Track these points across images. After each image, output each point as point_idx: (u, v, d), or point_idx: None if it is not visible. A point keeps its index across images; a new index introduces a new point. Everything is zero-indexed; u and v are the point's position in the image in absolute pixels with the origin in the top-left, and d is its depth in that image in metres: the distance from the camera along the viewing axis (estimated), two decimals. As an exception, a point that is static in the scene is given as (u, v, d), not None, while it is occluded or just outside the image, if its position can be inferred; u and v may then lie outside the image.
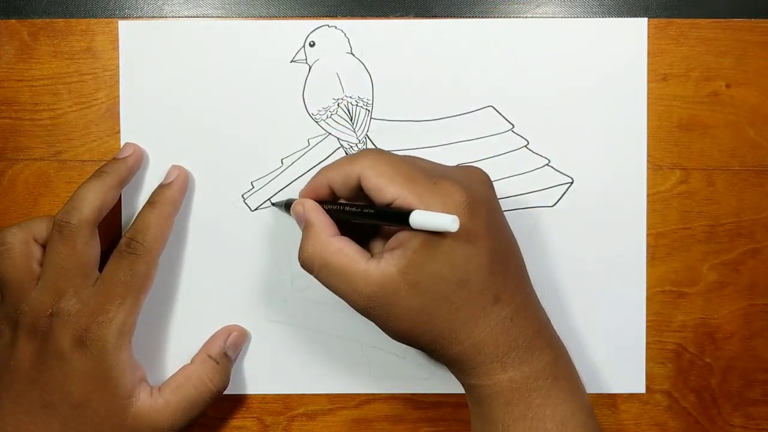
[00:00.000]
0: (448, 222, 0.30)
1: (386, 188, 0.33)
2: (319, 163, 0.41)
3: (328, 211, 0.36)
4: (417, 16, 0.41)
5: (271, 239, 0.41)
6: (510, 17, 0.41)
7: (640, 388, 0.41)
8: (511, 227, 0.39)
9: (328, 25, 0.41)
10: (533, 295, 0.36)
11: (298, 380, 0.41)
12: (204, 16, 0.41)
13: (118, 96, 0.41)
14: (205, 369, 0.39)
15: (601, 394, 0.41)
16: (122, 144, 0.41)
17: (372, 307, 0.33)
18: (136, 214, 0.39)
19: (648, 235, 0.41)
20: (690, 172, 0.41)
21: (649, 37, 0.41)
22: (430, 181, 0.33)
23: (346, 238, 0.35)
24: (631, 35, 0.41)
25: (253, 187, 0.41)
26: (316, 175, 0.37)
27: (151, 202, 0.39)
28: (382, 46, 0.41)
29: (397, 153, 0.41)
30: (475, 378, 0.34)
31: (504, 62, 0.41)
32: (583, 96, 0.41)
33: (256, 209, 0.41)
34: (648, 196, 0.41)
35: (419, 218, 0.31)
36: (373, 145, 0.41)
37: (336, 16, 0.41)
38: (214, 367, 0.39)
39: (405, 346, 0.41)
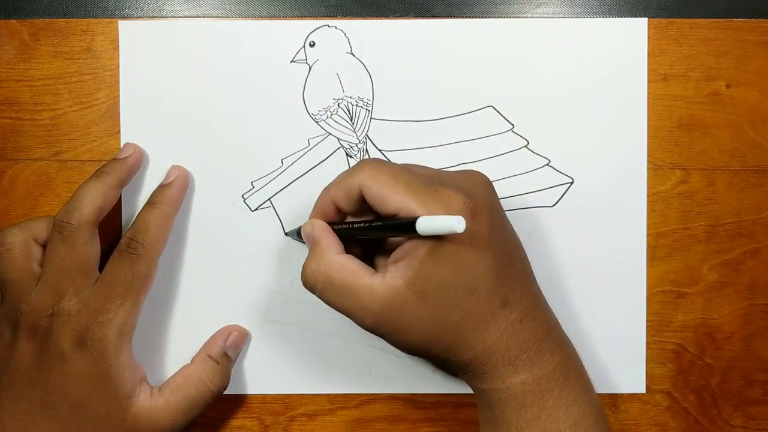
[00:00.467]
0: (454, 223, 0.30)
1: (389, 198, 0.33)
2: (319, 163, 0.41)
3: (338, 231, 0.35)
4: (417, 16, 0.41)
5: (271, 239, 0.41)
6: (510, 17, 0.41)
7: (640, 388, 0.41)
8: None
9: (328, 25, 0.41)
10: (541, 296, 0.36)
11: (298, 380, 0.41)
12: (204, 16, 0.41)
13: (118, 96, 0.41)
14: (206, 369, 0.39)
15: (601, 394, 0.41)
16: (122, 144, 0.41)
17: (380, 323, 0.33)
18: (136, 214, 0.39)
19: (648, 235, 0.41)
20: (690, 172, 0.41)
21: (649, 37, 0.41)
22: (432, 189, 0.33)
23: (350, 255, 0.34)
24: (631, 35, 0.41)
25: (253, 187, 0.41)
26: (320, 195, 0.36)
27: (151, 202, 0.39)
28: (382, 46, 0.41)
29: (393, 161, 0.41)
30: (487, 382, 0.34)
31: (504, 62, 0.41)
32: (583, 96, 0.41)
33: (256, 209, 0.41)
34: (648, 196, 0.41)
35: (425, 224, 0.31)
36: (373, 145, 0.41)
37: (336, 16, 0.41)
38: (215, 367, 0.39)
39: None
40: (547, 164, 0.41)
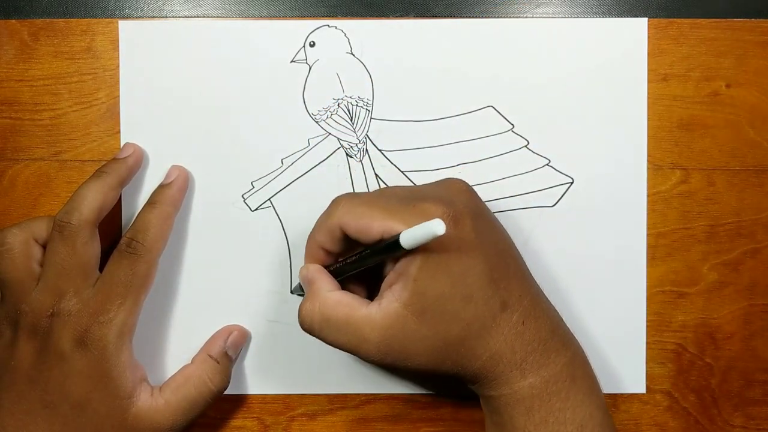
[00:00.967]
0: (434, 226, 0.30)
1: (369, 226, 0.33)
2: (319, 163, 0.41)
3: (333, 271, 0.36)
4: (417, 16, 0.41)
5: (271, 239, 0.41)
6: (510, 17, 0.41)
7: (640, 388, 0.41)
8: (512, 227, 0.39)
9: (328, 25, 0.41)
10: (541, 295, 0.36)
11: (298, 380, 0.41)
12: (204, 16, 0.41)
13: (118, 96, 0.41)
14: (206, 369, 0.39)
15: (601, 394, 0.41)
16: (122, 144, 0.41)
17: (386, 353, 0.33)
18: (136, 214, 0.39)
19: (648, 235, 0.41)
20: (690, 172, 0.41)
21: (649, 37, 0.41)
22: (410, 206, 0.33)
23: (344, 291, 0.34)
24: (631, 35, 0.41)
25: (253, 187, 0.41)
26: (306, 243, 0.37)
27: (151, 202, 0.39)
28: (382, 46, 0.41)
29: (393, 161, 0.41)
30: (495, 389, 0.34)
31: (504, 62, 0.41)
32: (583, 96, 0.41)
33: (256, 209, 0.41)
34: (648, 196, 0.41)
35: (408, 236, 0.31)
36: (373, 145, 0.41)
37: (336, 16, 0.41)
38: (215, 367, 0.39)
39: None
40: (547, 164, 0.41)
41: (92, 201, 0.37)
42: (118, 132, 0.41)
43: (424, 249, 0.32)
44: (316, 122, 0.41)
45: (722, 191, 0.41)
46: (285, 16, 0.41)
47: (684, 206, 0.41)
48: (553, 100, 0.41)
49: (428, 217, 0.31)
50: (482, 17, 0.41)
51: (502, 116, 0.41)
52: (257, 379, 0.41)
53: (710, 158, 0.41)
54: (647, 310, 0.41)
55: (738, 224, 0.41)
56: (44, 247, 0.37)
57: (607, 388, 0.41)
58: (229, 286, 0.41)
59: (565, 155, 0.41)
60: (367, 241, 0.33)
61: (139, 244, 0.37)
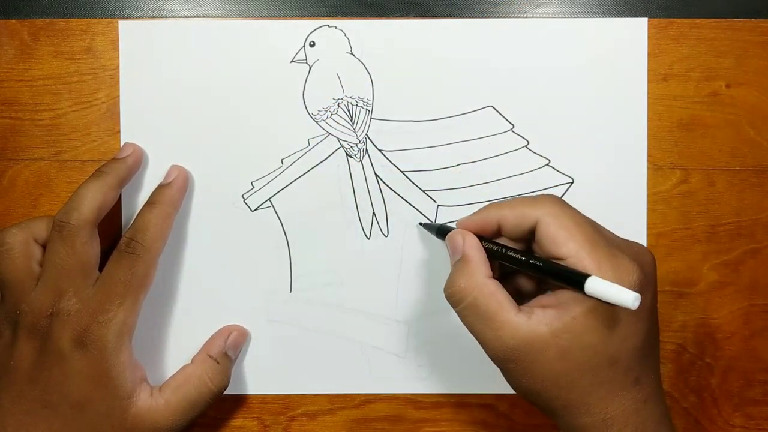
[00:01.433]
0: (630, 299, 0.29)
1: (564, 243, 0.32)
2: (319, 163, 0.41)
3: (486, 249, 0.35)
4: (417, 16, 0.41)
5: (271, 239, 0.41)
6: (510, 17, 0.41)
7: (640, 388, 0.41)
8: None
9: (328, 25, 0.41)
10: (661, 378, 0.35)
11: (298, 380, 0.41)
12: (204, 16, 0.41)
13: (118, 96, 0.41)
14: (206, 369, 0.39)
15: (601, 394, 0.41)
16: (122, 144, 0.41)
17: (511, 360, 0.32)
18: (135, 214, 0.39)
19: (648, 235, 0.41)
20: (690, 172, 0.41)
21: (649, 37, 0.41)
22: (610, 251, 0.32)
23: (497, 282, 0.34)
24: (631, 35, 0.41)
25: (253, 187, 0.41)
26: (485, 208, 0.36)
27: (150, 202, 0.39)
28: (382, 46, 0.41)
29: (393, 161, 0.41)
30: None
31: (504, 62, 0.41)
32: (583, 96, 0.41)
33: (256, 209, 0.41)
34: (648, 196, 0.41)
35: (598, 286, 0.30)
36: (373, 145, 0.41)
37: (336, 16, 0.41)
38: (215, 367, 0.39)
39: (405, 345, 0.41)
40: (547, 164, 0.41)
41: (92, 201, 0.37)
42: (118, 132, 0.41)
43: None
44: (316, 122, 0.41)
45: (722, 191, 0.41)
46: (285, 16, 0.41)
47: (684, 206, 0.41)
48: (553, 100, 0.41)
49: (621, 275, 0.31)
50: (482, 17, 0.41)
51: (502, 116, 0.41)
52: (257, 379, 0.41)
53: (710, 158, 0.41)
54: (647, 310, 0.41)
55: (738, 224, 0.41)
56: (44, 247, 0.37)
57: (607, 388, 0.41)
58: (229, 286, 0.41)
59: (565, 155, 0.41)
60: (548, 250, 0.33)
61: (138, 244, 0.37)
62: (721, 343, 0.42)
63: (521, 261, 0.33)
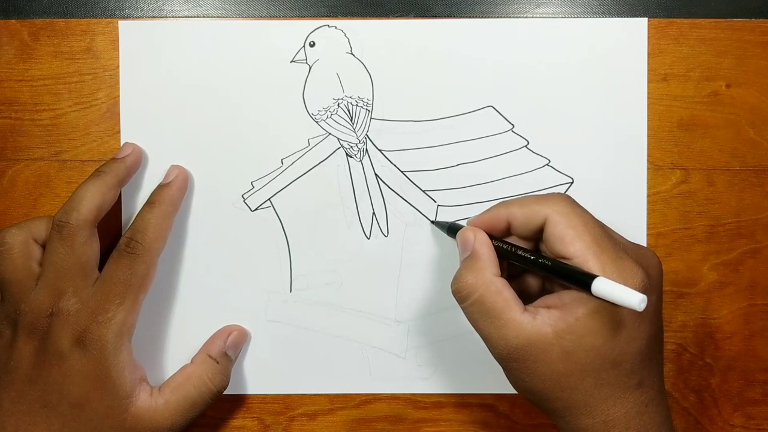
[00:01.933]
0: (636, 300, 0.29)
1: (572, 242, 0.32)
2: (319, 163, 0.41)
3: (496, 248, 0.35)
4: (417, 16, 0.41)
5: (271, 239, 0.41)
6: (510, 17, 0.41)
7: (640, 388, 0.41)
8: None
9: (328, 25, 0.41)
10: (664, 381, 0.35)
11: (298, 380, 0.41)
12: (204, 16, 0.41)
13: (118, 96, 0.41)
14: (206, 369, 0.39)
15: (601, 394, 0.41)
16: (122, 144, 0.41)
17: (514, 359, 0.33)
18: (135, 214, 0.39)
19: (648, 235, 0.41)
20: (690, 172, 0.41)
21: (649, 37, 0.41)
22: (616, 254, 0.32)
23: (505, 280, 0.34)
24: (631, 35, 0.41)
25: (253, 187, 0.41)
26: (495, 207, 0.36)
27: (150, 201, 0.39)
28: (382, 46, 0.41)
29: (393, 161, 0.41)
30: None
31: (504, 62, 0.41)
32: (583, 96, 0.41)
33: (256, 209, 0.41)
34: (648, 196, 0.41)
35: (603, 287, 0.30)
36: (373, 145, 0.41)
37: (336, 16, 0.41)
38: (215, 367, 0.39)
39: (405, 345, 0.41)
40: (547, 164, 0.41)
41: (91, 201, 0.37)
42: (118, 132, 0.41)
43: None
44: (316, 122, 0.41)
45: (722, 191, 0.41)
46: (285, 16, 0.41)
47: (684, 206, 0.41)
48: (553, 100, 0.41)
49: (626, 277, 0.31)
50: (482, 17, 0.41)
51: (502, 116, 0.41)
52: (257, 379, 0.41)
53: (710, 158, 0.41)
54: (647, 310, 0.41)
55: (738, 224, 0.41)
56: (44, 247, 0.37)
57: (607, 388, 0.41)
58: (229, 286, 0.41)
59: (565, 155, 0.41)
60: (554, 248, 0.33)
61: (138, 243, 0.37)
62: (721, 343, 0.41)
63: (530, 260, 0.33)
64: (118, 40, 0.41)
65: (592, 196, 0.41)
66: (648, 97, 0.41)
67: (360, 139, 0.41)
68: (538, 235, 0.34)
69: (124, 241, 0.37)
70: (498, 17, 0.41)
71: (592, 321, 0.32)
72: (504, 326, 0.32)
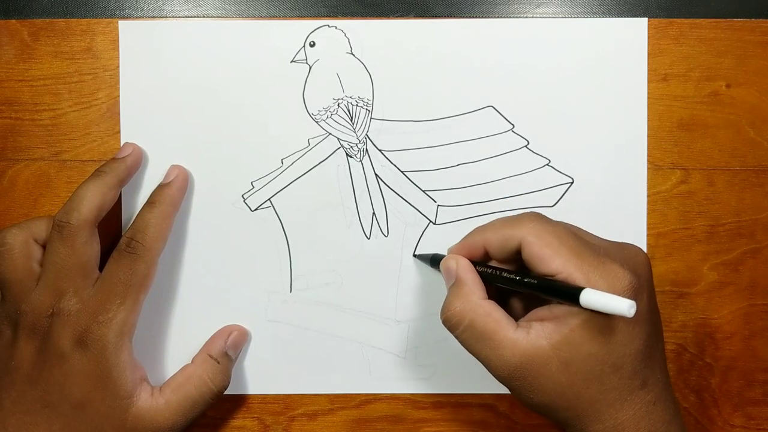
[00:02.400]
0: (625, 307, 0.29)
1: (551, 260, 0.32)
2: (319, 163, 0.41)
3: (480, 273, 0.35)
4: (417, 16, 0.41)
5: (271, 239, 0.41)
6: (510, 17, 0.41)
7: (640, 388, 0.41)
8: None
9: (328, 25, 0.41)
10: (669, 378, 0.35)
11: (298, 380, 0.41)
12: (204, 16, 0.41)
13: (118, 96, 0.41)
14: (206, 369, 0.39)
15: (601, 394, 0.41)
16: (122, 144, 0.41)
17: (516, 378, 0.32)
18: (135, 214, 0.39)
19: (648, 235, 0.41)
20: (690, 172, 0.41)
21: (649, 37, 0.41)
22: (598, 260, 0.32)
23: (493, 302, 0.34)
24: (631, 35, 0.41)
25: (253, 187, 0.41)
26: (470, 234, 0.36)
27: (150, 201, 0.39)
28: (382, 46, 0.41)
29: (393, 161, 0.41)
30: None
31: (504, 62, 0.41)
32: (583, 96, 0.41)
33: (256, 209, 0.41)
34: (648, 196, 0.41)
35: (592, 298, 0.30)
36: (373, 145, 0.41)
37: (336, 16, 0.41)
38: (215, 367, 0.39)
39: (405, 345, 0.41)
40: (547, 164, 0.41)
41: (91, 201, 0.37)
42: (118, 132, 0.41)
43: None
44: (316, 122, 0.41)
45: (722, 191, 0.41)
46: (285, 16, 0.41)
47: (684, 206, 0.41)
48: (553, 100, 0.41)
49: (613, 282, 0.31)
50: (482, 17, 0.41)
51: (502, 116, 0.41)
52: (257, 379, 0.41)
53: (710, 158, 0.41)
54: (647, 310, 0.41)
55: (738, 224, 0.41)
56: (44, 247, 0.37)
57: (607, 388, 0.41)
58: (229, 286, 0.41)
59: (565, 155, 0.41)
60: (536, 268, 0.33)
61: (138, 243, 0.37)
62: (721, 343, 0.42)
63: (516, 281, 0.33)
64: (118, 40, 0.41)
65: (592, 196, 0.41)
66: (648, 97, 0.41)
67: (360, 139, 0.41)
68: (516, 257, 0.34)
69: (124, 241, 0.37)
70: (498, 17, 0.41)
71: (586, 330, 0.31)
72: (499, 346, 0.32)
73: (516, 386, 0.33)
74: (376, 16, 0.41)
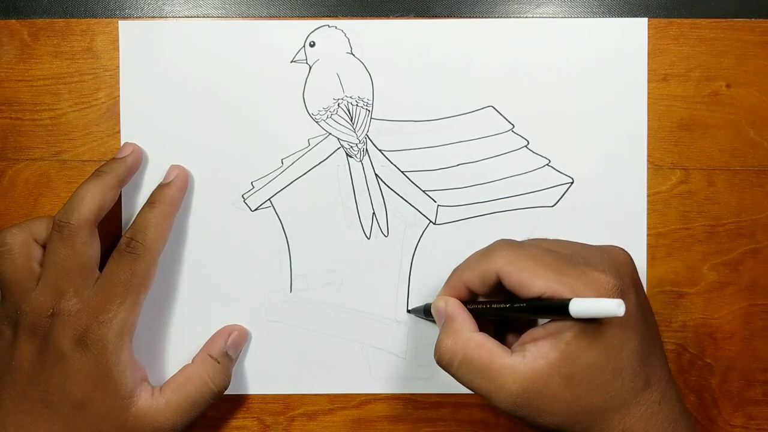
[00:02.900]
0: (614, 307, 0.29)
1: (532, 283, 0.32)
2: (319, 163, 0.41)
3: (473, 311, 0.35)
4: (417, 16, 0.41)
5: (271, 239, 0.41)
6: (510, 17, 0.41)
7: (640, 388, 0.41)
8: (512, 227, 0.39)
9: (328, 25, 0.41)
10: (671, 374, 0.35)
11: (298, 380, 0.41)
12: (204, 16, 0.41)
13: (118, 96, 0.41)
14: (206, 369, 0.39)
15: (601, 394, 0.41)
16: (122, 144, 0.41)
17: (520, 405, 0.32)
18: (136, 214, 0.39)
19: (648, 235, 0.41)
20: (690, 172, 0.41)
21: (649, 37, 0.41)
22: (578, 270, 0.32)
23: (485, 334, 0.34)
24: (631, 35, 0.41)
25: (253, 187, 0.41)
26: (450, 276, 0.36)
27: (150, 201, 0.39)
28: (382, 46, 0.41)
29: (394, 161, 0.41)
30: None
31: (504, 62, 0.41)
32: (583, 96, 0.41)
33: (256, 209, 0.41)
34: (648, 196, 0.41)
35: (581, 307, 0.30)
36: (373, 145, 0.41)
37: (336, 16, 0.41)
38: (215, 367, 0.39)
39: (405, 345, 0.41)
40: (547, 164, 0.41)
41: (91, 201, 0.37)
42: (118, 132, 0.41)
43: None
44: (316, 122, 0.41)
45: (722, 191, 0.41)
46: (285, 16, 0.41)
47: (684, 206, 0.41)
48: (553, 100, 0.41)
49: (598, 288, 0.31)
50: (482, 17, 0.41)
51: (502, 116, 0.41)
52: (257, 379, 0.41)
53: (710, 158, 0.41)
54: (647, 310, 0.41)
55: (738, 224, 0.41)
56: (44, 247, 0.37)
57: (607, 388, 0.41)
58: (229, 286, 0.41)
59: (565, 155, 0.41)
60: (521, 293, 0.33)
61: (138, 243, 0.37)
62: (721, 343, 0.42)
63: (505, 309, 0.33)
64: (118, 40, 0.41)
65: (592, 196, 0.41)
66: (648, 97, 0.41)
67: (360, 139, 0.41)
68: (501, 287, 0.34)
69: (124, 241, 0.37)
70: (498, 17, 0.41)
71: (581, 340, 0.31)
72: (498, 377, 0.32)
73: (523, 414, 0.32)
74: (376, 16, 0.41)
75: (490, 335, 0.34)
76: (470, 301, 0.36)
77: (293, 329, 0.41)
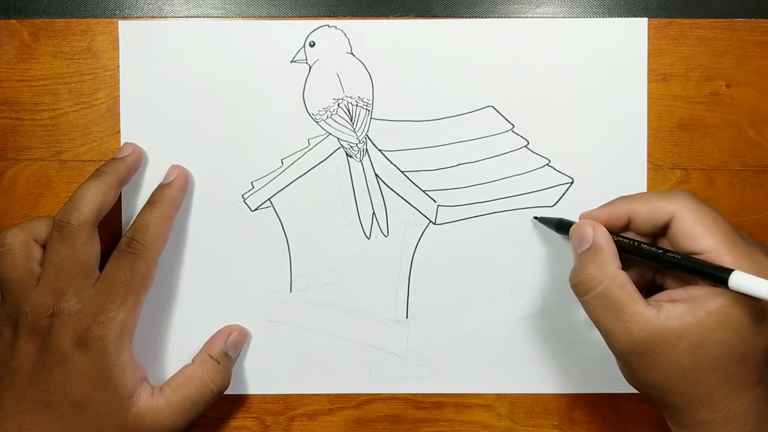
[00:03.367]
0: None
1: (703, 238, 0.32)
2: (319, 163, 0.41)
3: (617, 243, 0.34)
4: (417, 16, 0.41)
5: (271, 239, 0.41)
6: (510, 17, 0.41)
7: (640, 388, 0.41)
8: (512, 227, 0.39)
9: (328, 25, 0.41)
10: None
11: (298, 380, 0.41)
12: (204, 16, 0.41)
13: (118, 96, 0.41)
14: (206, 369, 0.39)
15: (601, 394, 0.41)
16: (122, 144, 0.41)
17: (638, 353, 0.32)
18: (136, 214, 0.39)
19: (648, 235, 0.41)
20: (690, 172, 0.41)
21: (649, 37, 0.41)
22: (750, 249, 0.32)
23: (628, 275, 0.33)
24: (631, 35, 0.41)
25: (253, 187, 0.41)
26: (614, 202, 0.36)
27: (150, 201, 0.39)
28: (382, 46, 0.41)
29: (393, 161, 0.41)
30: None
31: (504, 62, 0.41)
32: (584, 96, 0.41)
33: (256, 209, 0.41)
34: (648, 196, 0.41)
35: (743, 281, 0.29)
36: (373, 145, 0.41)
37: (336, 16, 0.41)
38: (215, 367, 0.39)
39: (405, 345, 0.41)
40: (547, 164, 0.41)
41: (91, 201, 0.37)
42: (118, 132, 0.41)
43: (733, 291, 0.31)
44: (316, 122, 0.41)
45: (722, 191, 0.41)
46: (285, 16, 0.41)
47: (684, 206, 0.41)
48: (553, 100, 0.41)
49: (763, 273, 0.30)
50: (482, 17, 0.41)
51: (502, 116, 0.41)
52: (257, 379, 0.41)
53: (710, 158, 0.41)
54: (647, 310, 0.41)
55: (738, 224, 0.41)
56: (44, 247, 0.37)
57: (607, 388, 0.41)
58: (229, 286, 0.41)
59: (565, 155, 0.41)
60: (684, 245, 0.32)
61: (138, 243, 0.37)
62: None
63: (656, 255, 0.33)
64: (118, 40, 0.41)
65: (592, 196, 0.41)
66: (648, 97, 0.41)
67: (360, 139, 0.41)
68: (657, 232, 0.34)
69: (124, 241, 0.37)
70: (498, 17, 0.41)
71: (724, 315, 0.31)
72: (629, 320, 0.32)
73: (635, 362, 0.32)
74: (376, 16, 0.41)
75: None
76: (616, 233, 0.35)
77: (293, 329, 0.41)
